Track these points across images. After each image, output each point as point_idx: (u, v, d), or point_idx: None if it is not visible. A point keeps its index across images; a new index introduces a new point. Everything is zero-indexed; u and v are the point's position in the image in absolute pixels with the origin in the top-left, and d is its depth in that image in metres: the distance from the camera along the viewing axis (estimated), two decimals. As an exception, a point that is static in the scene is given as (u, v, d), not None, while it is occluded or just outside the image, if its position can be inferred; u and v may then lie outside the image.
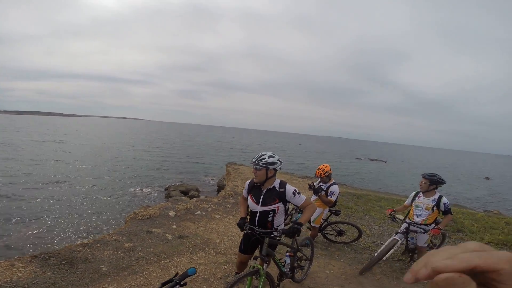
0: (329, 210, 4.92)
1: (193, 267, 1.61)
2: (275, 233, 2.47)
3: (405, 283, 4.08)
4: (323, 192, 4.54)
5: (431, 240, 4.48)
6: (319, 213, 4.75)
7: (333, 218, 5.37)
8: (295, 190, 2.60)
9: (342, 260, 4.56)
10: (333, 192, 4.55)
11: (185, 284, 1.51)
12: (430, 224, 3.99)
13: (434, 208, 3.93)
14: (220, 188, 15.51)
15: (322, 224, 5.02)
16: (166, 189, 18.14)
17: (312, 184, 4.66)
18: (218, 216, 6.16)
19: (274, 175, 2.63)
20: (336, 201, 4.66)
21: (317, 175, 4.65)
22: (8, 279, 2.80)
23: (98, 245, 3.83)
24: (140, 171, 24.45)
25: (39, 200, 14.70)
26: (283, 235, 2.49)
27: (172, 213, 5.80)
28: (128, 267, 3.42)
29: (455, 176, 41.23)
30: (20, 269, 3.04)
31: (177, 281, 1.47)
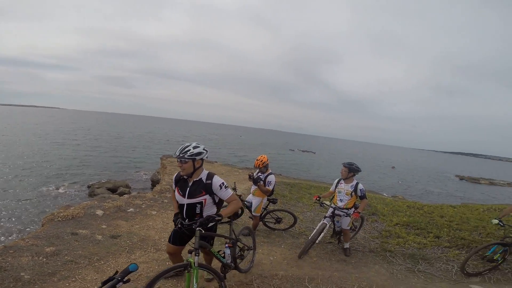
0: (268, 199, 5.12)
1: (134, 263, 1.57)
2: (194, 225, 2.38)
3: (338, 263, 4.59)
4: (261, 182, 4.75)
5: (352, 223, 4.98)
6: (259, 202, 4.93)
7: (271, 207, 5.61)
8: (222, 183, 2.56)
9: (283, 246, 4.88)
10: (270, 181, 4.80)
11: (128, 281, 1.49)
12: (351, 208, 4.47)
13: (353, 193, 4.44)
14: (154, 183, 14.62)
15: (262, 213, 5.23)
16: (89, 187, 16.29)
17: (252, 175, 4.85)
18: (154, 212, 5.84)
19: (201, 165, 2.57)
20: (273, 190, 4.91)
21: (255, 165, 4.82)
22: None
23: (11, 251, 3.27)
24: (55, 168, 21.01)
25: None
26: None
27: (99, 212, 5.26)
28: (56, 273, 3.05)
29: (370, 165, 48.56)
30: None
31: (119, 278, 1.45)
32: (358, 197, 4.51)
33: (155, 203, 6.45)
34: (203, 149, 2.53)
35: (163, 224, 5.28)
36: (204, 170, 2.62)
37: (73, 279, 3.02)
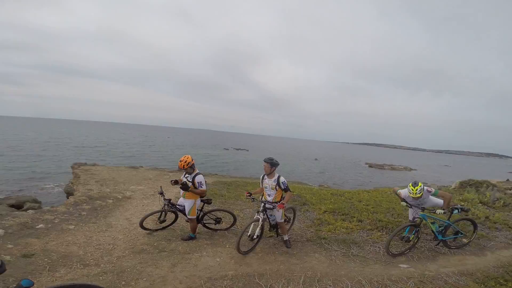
0: (201, 200, 4.96)
1: (27, 279, 1.47)
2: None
3: (282, 256, 4.70)
4: (190, 184, 4.60)
5: (285, 215, 5.09)
6: (191, 204, 4.73)
7: (206, 207, 5.44)
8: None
9: (227, 246, 4.81)
10: (200, 181, 4.63)
11: None
12: (279, 202, 4.53)
13: (277, 187, 4.55)
14: (69, 195, 12.41)
15: (199, 215, 5.06)
16: None
17: (175, 181, 4.63)
18: (72, 227, 5.09)
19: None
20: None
21: (179, 167, 4.53)
22: None
23: None
24: None
25: None
26: None
27: (1, 231, 4.25)
28: None
29: (296, 159, 52.77)
30: None
31: None
32: (282, 190, 4.62)
33: (71, 217, 5.62)
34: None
35: (85, 238, 4.65)
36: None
37: None
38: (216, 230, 5.56)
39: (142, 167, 15.07)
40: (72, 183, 13.00)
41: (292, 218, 5.83)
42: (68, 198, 10.25)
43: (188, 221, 5.04)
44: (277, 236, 5.23)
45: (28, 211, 6.40)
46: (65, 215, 5.59)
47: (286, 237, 5.02)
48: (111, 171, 11.55)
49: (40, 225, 4.90)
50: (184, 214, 4.90)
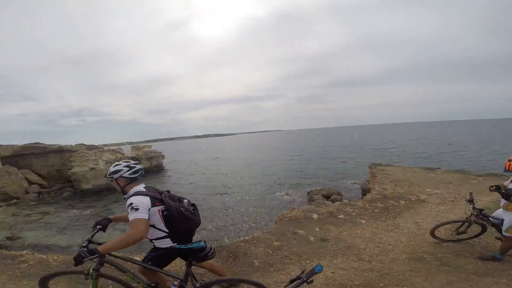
0: None
1: (319, 265, 1.62)
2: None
3: None
4: None
5: None
6: None
7: None
8: (131, 203, 2.03)
9: None
10: None
11: (311, 281, 1.61)
12: None
13: None
14: (365, 191, 14.09)
15: None
16: (308, 193, 18.88)
17: (496, 186, 3.62)
18: (363, 221, 5.61)
19: (128, 183, 2.25)
20: None
21: (507, 168, 3.47)
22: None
23: (254, 242, 4.30)
24: (284, 178, 26.65)
25: (215, 204, 18.94)
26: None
27: (315, 216, 5.68)
28: (274, 264, 3.67)
29: None
30: None
31: (305, 279, 1.60)
32: None
33: (365, 212, 6.19)
34: (123, 167, 2.24)
35: (371, 234, 4.93)
36: (134, 188, 2.23)
37: (283, 272, 3.47)
38: None
39: (439, 168, 13.18)
40: (368, 181, 14.60)
41: None
42: (364, 194, 11.63)
43: (498, 239, 4.10)
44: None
45: (335, 202, 8.02)
46: (361, 210, 6.24)
47: None
48: (405, 172, 11.32)
49: (341, 216, 5.83)
50: (499, 230, 3.87)
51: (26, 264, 3.58)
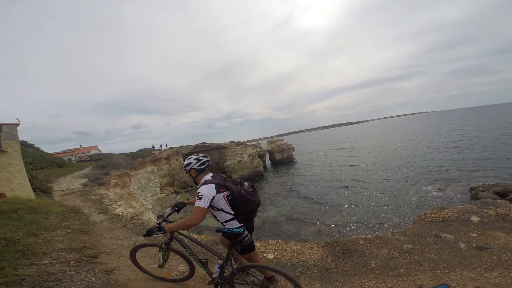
0: None
1: (445, 284, 1.40)
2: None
3: None
4: None
5: None
6: None
7: None
8: (199, 192, 2.27)
9: None
10: None
11: None
12: None
13: None
14: None
15: None
16: (471, 190, 15.20)
17: None
18: None
19: (198, 174, 2.47)
20: None
21: None
22: (303, 258, 3.53)
23: (378, 241, 3.89)
24: (435, 169, 22.05)
25: (339, 198, 18.46)
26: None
27: (475, 219, 4.54)
28: (396, 269, 3.20)
29: None
30: (314, 251, 3.69)
31: None
32: None
33: None
34: (193, 160, 2.48)
35: None
36: (204, 177, 2.45)
37: (405, 278, 2.98)
38: None
39: None
40: None
41: None
42: None
43: None
44: None
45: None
46: None
47: None
48: None
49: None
50: None
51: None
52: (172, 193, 28.65)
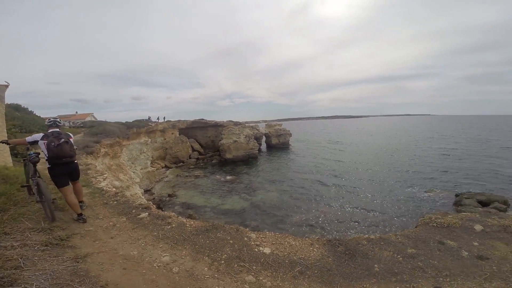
0: None
1: None
2: None
3: None
4: None
5: None
6: None
7: None
8: None
9: None
10: None
11: None
12: None
13: None
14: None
15: None
16: (457, 196, 15.65)
17: None
18: None
19: None
20: None
21: None
22: (302, 256, 3.35)
23: (382, 243, 3.76)
24: (424, 172, 22.37)
25: (340, 189, 18.49)
26: None
27: (478, 227, 4.43)
28: (399, 274, 3.08)
29: None
30: (315, 249, 3.53)
31: None
32: None
33: None
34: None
35: None
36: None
37: (407, 285, 2.89)
38: None
39: None
40: None
41: None
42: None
43: None
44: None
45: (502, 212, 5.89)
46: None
47: None
48: None
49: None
50: None
51: (169, 226, 3.95)
52: (162, 167, 28.39)
